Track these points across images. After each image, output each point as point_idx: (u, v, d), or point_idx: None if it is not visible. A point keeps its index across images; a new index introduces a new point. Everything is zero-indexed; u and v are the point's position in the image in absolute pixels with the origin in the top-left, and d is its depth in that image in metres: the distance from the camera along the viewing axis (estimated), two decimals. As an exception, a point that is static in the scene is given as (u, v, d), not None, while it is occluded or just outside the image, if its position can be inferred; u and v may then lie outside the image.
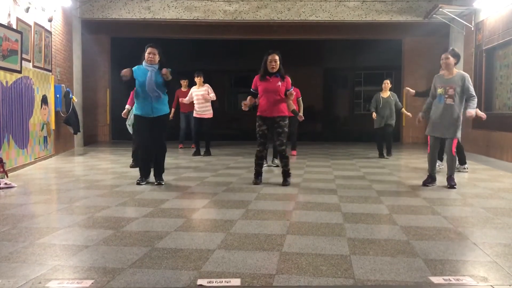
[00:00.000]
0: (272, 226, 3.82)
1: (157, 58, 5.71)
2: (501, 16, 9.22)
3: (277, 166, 7.78)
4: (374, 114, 9.27)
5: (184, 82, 10.85)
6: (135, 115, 5.95)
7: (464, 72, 5.80)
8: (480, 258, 3.01)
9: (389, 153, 9.52)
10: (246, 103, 5.81)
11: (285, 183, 5.85)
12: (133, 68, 5.73)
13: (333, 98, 22.87)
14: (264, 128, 5.77)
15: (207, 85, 9.64)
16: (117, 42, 14.13)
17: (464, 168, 7.29)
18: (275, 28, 12.91)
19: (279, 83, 5.72)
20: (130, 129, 7.56)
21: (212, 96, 9.54)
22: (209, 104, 9.58)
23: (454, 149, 5.64)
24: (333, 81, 22.55)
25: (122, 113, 7.58)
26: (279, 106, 5.73)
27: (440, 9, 10.45)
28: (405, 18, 11.70)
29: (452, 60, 5.62)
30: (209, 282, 2.56)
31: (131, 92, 7.05)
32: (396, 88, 13.47)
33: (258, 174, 6.01)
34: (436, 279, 2.60)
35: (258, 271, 2.73)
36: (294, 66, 18.33)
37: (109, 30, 13.37)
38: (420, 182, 6.12)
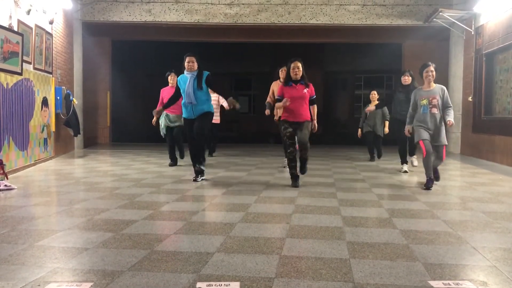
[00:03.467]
0: (272, 229, 3.82)
1: (195, 65, 6.29)
2: (501, 21, 9.24)
3: (285, 167, 8.01)
4: (359, 132, 9.70)
5: None
6: (184, 118, 6.51)
7: (441, 85, 6.18)
8: (480, 262, 3.01)
9: (379, 156, 9.62)
10: (280, 105, 6.05)
11: (303, 170, 6.17)
12: (177, 78, 6.53)
13: (333, 101, 22.93)
14: (290, 130, 5.97)
15: (216, 94, 9.92)
16: (118, 45, 14.16)
17: (403, 169, 7.69)
18: (276, 32, 12.93)
19: (305, 90, 5.96)
20: (162, 133, 8.25)
21: (225, 104, 9.98)
22: (219, 110, 9.99)
23: (444, 156, 6.08)
24: (333, 84, 22.62)
25: (154, 113, 7.81)
26: (305, 112, 6.00)
27: (440, 13, 10.48)
28: (405, 22, 11.72)
29: (435, 73, 6.08)
30: (209, 285, 2.56)
31: (160, 99, 8.02)
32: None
33: (295, 177, 6.10)
34: (435, 283, 2.60)
35: (257, 274, 2.73)
36: (295, 69, 18.42)
37: (110, 32, 13.39)
38: (420, 187, 6.13)
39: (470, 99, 10.80)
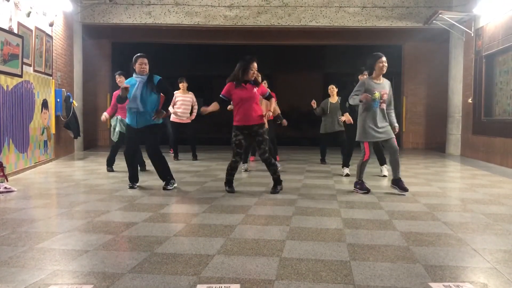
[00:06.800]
0: (272, 231, 3.82)
1: (147, 68, 5.79)
2: (500, 23, 9.25)
3: (246, 171, 7.81)
4: (313, 102, 8.96)
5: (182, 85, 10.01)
6: (126, 124, 5.97)
7: (387, 79, 5.72)
8: (480, 264, 3.00)
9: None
10: (207, 110, 5.57)
11: (274, 190, 5.66)
12: (125, 81, 5.92)
13: (333, 103, 22.92)
14: (240, 138, 5.55)
15: (191, 93, 9.69)
16: (117, 47, 14.16)
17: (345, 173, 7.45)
18: (276, 34, 12.95)
19: (255, 90, 5.54)
20: (114, 138, 7.77)
21: (196, 107, 9.61)
22: (189, 109, 9.66)
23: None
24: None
25: (102, 118, 7.69)
26: (256, 114, 5.53)
27: (440, 15, 10.49)
28: (405, 24, 11.73)
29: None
30: (209, 287, 2.55)
31: (112, 101, 7.43)
32: (396, 94, 13.48)
33: (230, 183, 5.75)
34: (436, 285, 2.60)
35: (257, 276, 2.72)
36: (295, 71, 18.42)
37: (110, 34, 13.41)
38: (420, 189, 6.12)
39: (470, 101, 10.80)
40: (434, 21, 11.02)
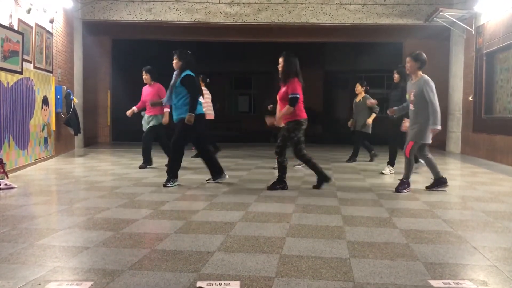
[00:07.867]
0: (272, 228, 3.82)
1: (176, 63, 5.91)
2: (501, 20, 9.23)
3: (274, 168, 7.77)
4: (349, 123, 9.27)
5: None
6: None
7: (426, 77, 5.43)
8: (480, 262, 3.01)
9: (350, 159, 9.06)
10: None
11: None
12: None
13: (333, 100, 22.88)
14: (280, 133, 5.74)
15: (207, 90, 9.58)
16: (118, 44, 14.15)
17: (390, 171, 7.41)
18: (276, 31, 12.92)
19: (283, 89, 5.58)
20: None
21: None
22: (207, 104, 9.44)
23: (407, 151, 5.54)
24: (334, 83, 22.58)
25: (128, 112, 8.01)
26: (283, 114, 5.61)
27: (440, 13, 10.47)
28: (406, 21, 11.71)
29: (413, 64, 5.44)
30: (209, 284, 2.56)
31: (141, 96, 7.89)
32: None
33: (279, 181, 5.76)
34: (435, 283, 2.60)
35: (257, 273, 2.73)
36: (295, 68, 18.44)
37: (110, 31, 13.38)
38: (421, 186, 6.12)
39: (470, 98, 10.79)
40: (435, 19, 11.00)
